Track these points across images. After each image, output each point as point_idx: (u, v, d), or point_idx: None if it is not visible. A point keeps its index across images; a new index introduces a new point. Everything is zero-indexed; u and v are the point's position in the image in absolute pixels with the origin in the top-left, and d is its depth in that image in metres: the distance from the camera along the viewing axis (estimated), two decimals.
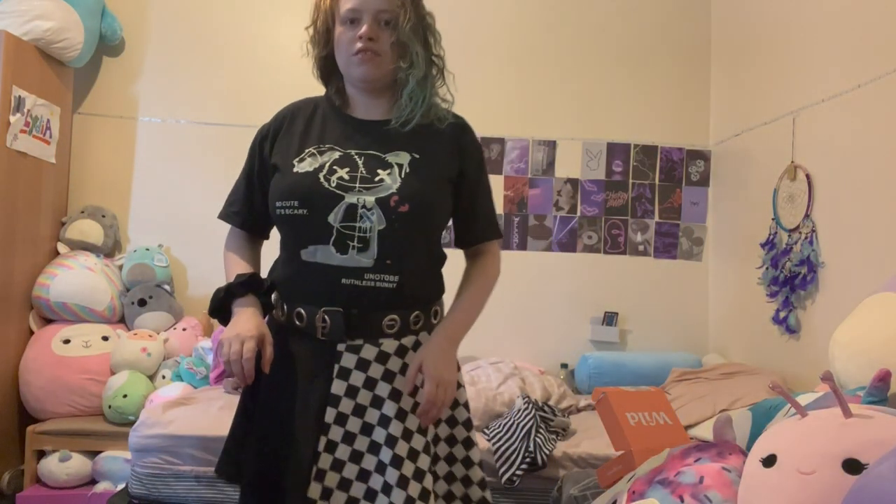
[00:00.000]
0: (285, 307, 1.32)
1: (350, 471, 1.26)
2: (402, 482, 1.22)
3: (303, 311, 1.28)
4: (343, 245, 1.23)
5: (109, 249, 3.18)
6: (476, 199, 1.40)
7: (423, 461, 1.26)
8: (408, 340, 1.31)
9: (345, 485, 1.25)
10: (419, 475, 1.24)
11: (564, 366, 3.24)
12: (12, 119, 2.71)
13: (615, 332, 3.31)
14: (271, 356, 1.23)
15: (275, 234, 1.45)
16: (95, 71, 3.31)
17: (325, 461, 1.24)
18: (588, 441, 2.33)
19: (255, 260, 1.43)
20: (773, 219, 2.76)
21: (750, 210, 2.99)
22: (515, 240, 3.38)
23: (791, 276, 2.58)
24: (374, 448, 1.26)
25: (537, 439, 2.22)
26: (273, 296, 1.35)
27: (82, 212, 3.14)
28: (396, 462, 1.23)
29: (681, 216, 3.41)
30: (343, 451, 1.25)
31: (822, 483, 0.92)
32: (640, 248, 3.40)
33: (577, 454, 2.24)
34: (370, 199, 1.23)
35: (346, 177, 1.25)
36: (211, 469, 2.21)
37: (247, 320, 1.24)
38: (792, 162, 2.65)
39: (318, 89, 1.45)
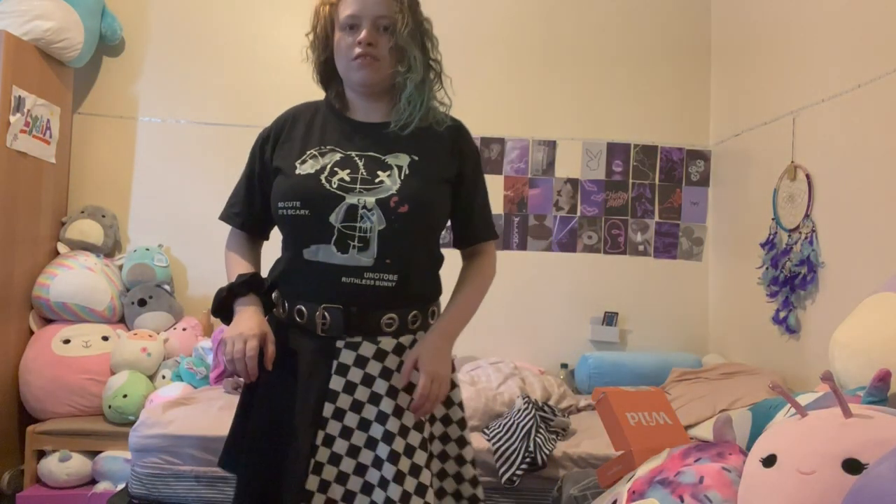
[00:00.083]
0: (286, 304, 1.35)
1: (347, 465, 1.28)
2: (399, 477, 1.24)
3: (303, 308, 1.31)
4: (344, 244, 1.26)
5: (109, 249, 3.18)
6: (473, 200, 1.43)
7: (420, 457, 1.29)
8: (406, 339, 1.34)
9: (342, 478, 1.28)
10: (416, 471, 1.27)
11: (564, 366, 3.24)
12: (12, 119, 2.71)
13: (615, 332, 3.31)
14: (273, 354, 1.26)
15: (275, 234, 1.47)
16: (95, 71, 3.31)
17: (322, 455, 1.27)
18: (588, 441, 2.33)
19: (255, 260, 1.46)
20: (773, 219, 2.77)
21: (750, 210, 2.99)
22: (515, 240, 3.38)
23: (791, 276, 2.58)
24: (371, 443, 1.28)
25: (537, 439, 2.22)
26: (274, 294, 1.39)
27: (82, 212, 3.14)
28: (393, 458, 1.25)
29: (681, 216, 3.41)
30: (340, 446, 1.28)
31: (822, 483, 0.93)
32: (640, 248, 3.40)
33: (577, 454, 2.24)
34: (370, 200, 1.26)
35: (347, 178, 1.28)
36: (211, 469, 2.21)
37: (248, 319, 1.27)
38: (792, 162, 2.65)
39: (317, 88, 1.47)
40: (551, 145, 3.40)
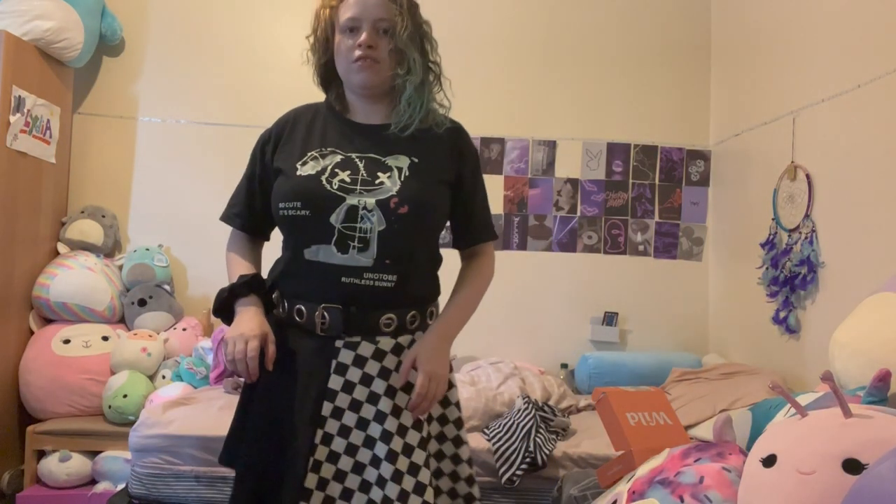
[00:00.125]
0: (286, 304, 1.36)
1: (345, 463, 1.30)
2: (397, 476, 1.25)
3: (303, 308, 1.32)
4: (344, 245, 1.27)
5: (109, 249, 3.18)
6: (473, 201, 1.44)
7: (419, 456, 1.30)
8: (404, 339, 1.35)
9: (340, 476, 1.29)
10: (414, 469, 1.28)
11: (564, 366, 3.24)
12: (12, 119, 2.71)
13: (615, 332, 3.31)
14: (274, 354, 1.28)
15: (275, 234, 1.48)
16: (95, 71, 3.31)
17: (321, 453, 1.28)
18: (588, 441, 2.33)
19: (256, 260, 1.47)
20: (773, 219, 2.77)
21: (750, 210, 2.99)
22: (515, 240, 3.38)
23: (791, 276, 2.58)
24: (370, 443, 1.30)
25: (537, 439, 2.22)
26: (274, 293, 1.40)
27: (82, 212, 3.14)
28: (391, 457, 1.27)
29: (681, 216, 3.41)
30: (339, 444, 1.30)
31: (822, 483, 0.93)
32: (640, 248, 3.40)
33: (577, 454, 2.24)
34: (371, 201, 1.28)
35: (348, 179, 1.29)
36: (211, 469, 2.22)
37: (249, 319, 1.29)
38: (792, 162, 2.65)
39: (317, 88, 1.48)
40: (551, 145, 3.40)
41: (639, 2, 3.44)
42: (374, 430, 1.29)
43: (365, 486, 1.29)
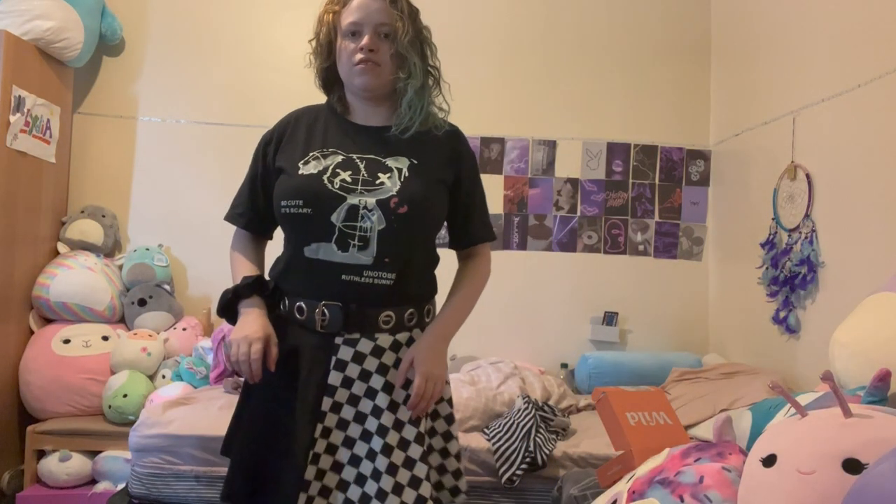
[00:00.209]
0: (286, 301, 1.39)
1: (343, 455, 1.34)
2: (392, 469, 1.29)
3: (303, 305, 1.35)
4: (344, 243, 1.30)
5: (109, 249, 3.18)
6: (471, 202, 1.48)
7: (415, 451, 1.33)
8: (402, 336, 1.38)
9: (337, 467, 1.33)
10: (409, 463, 1.31)
11: (564, 366, 3.24)
12: (12, 119, 2.71)
13: (615, 331, 3.31)
14: (276, 356, 1.32)
15: (276, 233, 1.50)
16: (95, 71, 3.31)
17: (320, 446, 1.32)
18: (588, 441, 2.33)
19: (259, 260, 1.50)
20: (773, 218, 2.77)
21: (750, 210, 2.99)
22: (515, 239, 3.38)
23: (791, 276, 2.58)
24: (366, 436, 1.33)
25: (537, 439, 2.22)
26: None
27: (82, 212, 3.14)
28: (386, 450, 1.30)
29: (681, 216, 3.41)
30: (337, 437, 1.33)
31: (822, 483, 0.93)
32: (640, 247, 3.40)
33: (577, 454, 2.24)
34: (371, 201, 1.31)
35: (349, 179, 1.32)
36: (211, 469, 2.22)
37: (253, 321, 1.32)
38: (792, 162, 2.65)
39: (316, 87, 1.51)
40: (551, 145, 3.40)
41: (639, 2, 3.44)
42: (371, 424, 1.33)
43: (360, 479, 1.32)
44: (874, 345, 1.53)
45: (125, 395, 2.69)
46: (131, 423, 2.45)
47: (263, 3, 3.37)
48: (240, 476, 1.35)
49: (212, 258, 2.93)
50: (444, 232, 1.52)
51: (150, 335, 2.93)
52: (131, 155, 3.31)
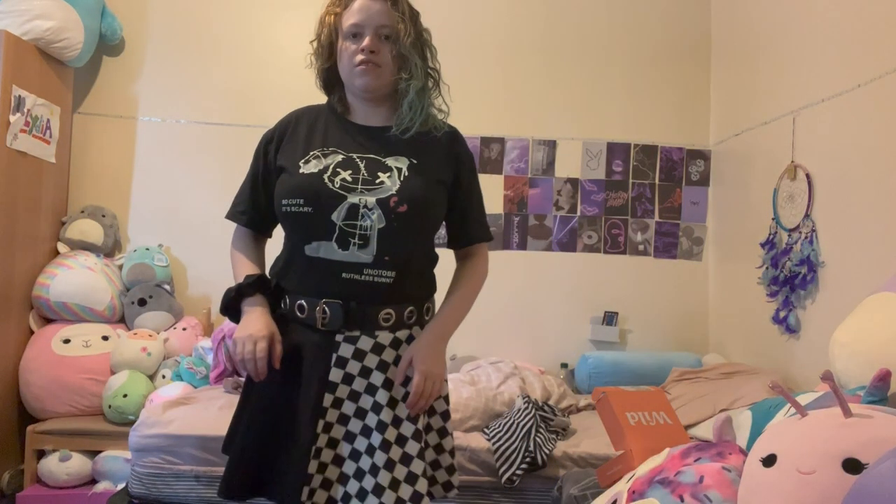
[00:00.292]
0: (287, 299, 1.41)
1: (344, 449, 1.36)
2: (389, 465, 1.31)
3: (304, 303, 1.37)
4: (345, 242, 1.32)
5: (109, 249, 3.18)
6: (469, 202, 1.50)
7: (412, 447, 1.35)
8: (402, 334, 1.40)
9: (338, 461, 1.36)
10: (406, 459, 1.33)
11: (564, 365, 3.24)
12: (12, 119, 2.71)
13: (615, 331, 3.31)
14: (280, 353, 1.34)
15: (275, 232, 1.51)
16: (95, 71, 3.31)
17: (321, 440, 1.34)
18: (588, 441, 2.33)
19: (259, 258, 1.51)
20: (773, 218, 2.77)
21: (750, 210, 2.99)
22: (515, 239, 3.38)
23: (791, 276, 2.58)
24: (367, 432, 1.35)
25: (537, 439, 2.22)
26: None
27: (82, 211, 3.14)
28: (384, 447, 1.32)
29: (681, 216, 3.41)
30: (338, 431, 1.36)
31: (822, 483, 0.93)
32: (640, 247, 3.40)
33: (577, 454, 2.24)
34: (371, 200, 1.32)
35: (349, 178, 1.34)
36: (211, 469, 2.22)
37: (256, 320, 1.34)
38: (792, 162, 2.65)
39: (316, 86, 1.52)
40: (551, 145, 3.40)
41: (639, 2, 3.44)
42: (371, 419, 1.35)
43: (359, 473, 1.33)
44: (874, 345, 1.53)
45: (125, 395, 2.69)
46: (131, 423, 2.45)
47: (263, 4, 3.37)
48: (241, 470, 1.36)
49: (212, 258, 2.93)
50: (443, 231, 1.53)
51: (150, 335, 2.93)
52: (131, 155, 3.31)
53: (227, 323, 2.89)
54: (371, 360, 1.36)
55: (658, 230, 3.40)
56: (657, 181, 3.41)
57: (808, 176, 2.54)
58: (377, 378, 1.36)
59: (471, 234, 1.52)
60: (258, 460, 1.36)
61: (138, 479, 2.26)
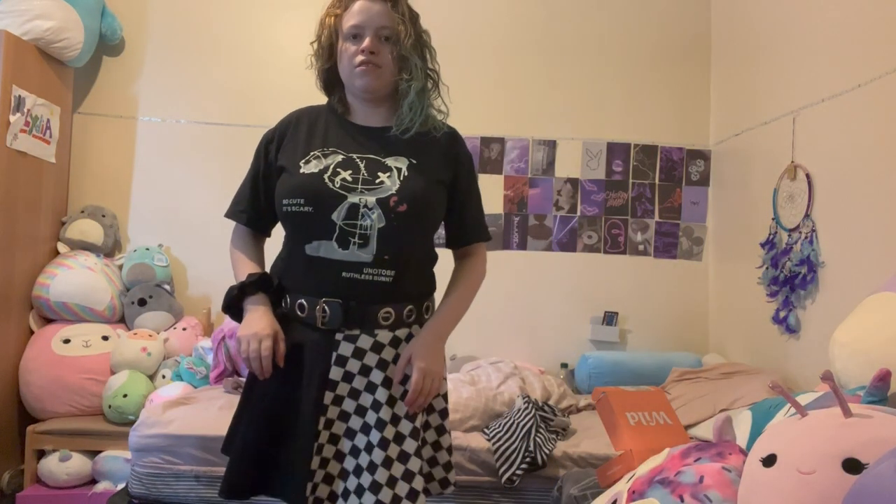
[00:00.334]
0: (287, 298, 1.42)
1: (345, 445, 1.38)
2: (387, 463, 1.33)
3: (304, 302, 1.38)
4: (345, 241, 1.33)
5: (109, 249, 3.18)
6: (467, 202, 1.51)
7: (409, 445, 1.36)
8: (401, 332, 1.42)
9: (339, 457, 1.38)
10: (404, 457, 1.35)
11: (564, 365, 3.24)
12: (12, 119, 2.71)
13: (615, 331, 3.31)
14: (284, 351, 1.35)
15: (275, 231, 1.52)
16: (95, 71, 3.31)
17: (323, 437, 1.36)
18: (588, 441, 2.33)
19: (259, 257, 1.53)
20: (773, 218, 2.77)
21: (750, 210, 2.99)
22: (515, 239, 3.38)
23: (791, 276, 2.58)
24: (366, 429, 1.37)
25: (537, 439, 2.22)
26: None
27: (82, 211, 3.14)
28: (383, 444, 1.33)
29: (681, 216, 3.41)
30: (339, 427, 1.38)
31: (822, 483, 0.93)
32: (640, 247, 3.40)
33: (577, 454, 2.24)
34: (371, 199, 1.33)
35: (349, 178, 1.35)
36: (211, 469, 2.22)
37: (260, 318, 1.35)
38: (792, 162, 2.65)
39: (316, 87, 1.53)
40: (551, 145, 3.40)
41: (639, 2, 3.44)
42: (371, 417, 1.36)
43: (358, 470, 1.35)
44: (874, 345, 1.53)
45: (125, 395, 2.69)
46: (131, 423, 2.45)
47: (263, 4, 3.37)
48: (243, 469, 1.37)
49: (212, 258, 2.93)
50: (441, 231, 1.54)
51: (150, 335, 2.93)
52: (131, 155, 3.31)
53: (227, 323, 2.89)
54: (371, 359, 1.37)
55: (658, 230, 3.40)
56: (657, 181, 3.41)
57: (808, 176, 2.54)
58: (377, 376, 1.37)
59: (469, 234, 1.53)
60: (260, 458, 1.37)
61: (138, 479, 2.26)
